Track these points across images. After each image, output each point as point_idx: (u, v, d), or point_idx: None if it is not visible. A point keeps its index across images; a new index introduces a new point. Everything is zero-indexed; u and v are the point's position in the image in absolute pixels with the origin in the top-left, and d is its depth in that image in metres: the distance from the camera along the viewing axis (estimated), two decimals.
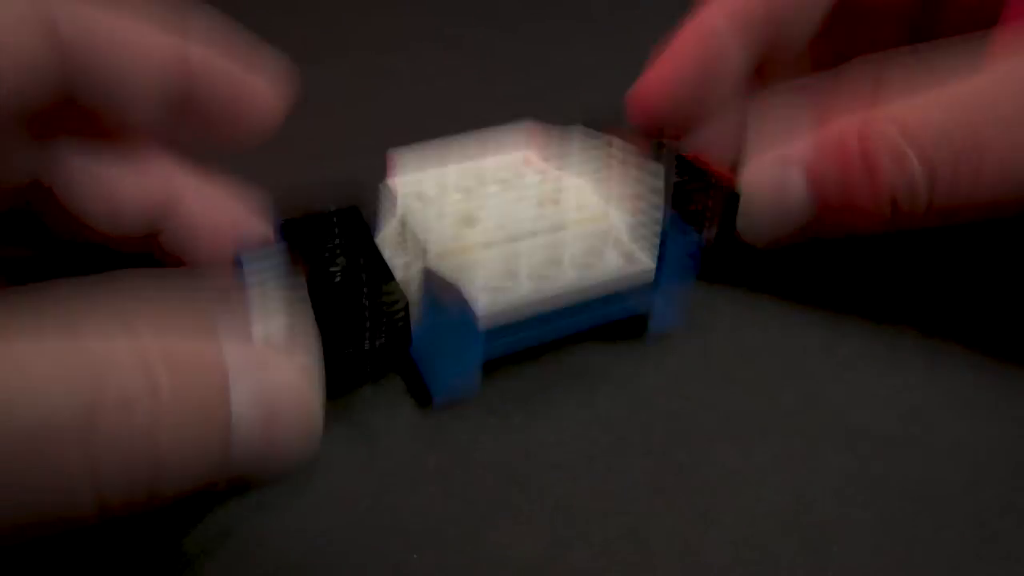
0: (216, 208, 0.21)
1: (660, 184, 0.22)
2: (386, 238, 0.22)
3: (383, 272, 0.19)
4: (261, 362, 0.16)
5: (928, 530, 0.17)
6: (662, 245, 0.21)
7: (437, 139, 0.25)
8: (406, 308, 0.19)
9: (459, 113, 0.36)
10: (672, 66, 0.24)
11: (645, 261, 0.21)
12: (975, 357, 0.21)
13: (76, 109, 0.17)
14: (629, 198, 0.22)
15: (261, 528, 0.18)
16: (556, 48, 0.41)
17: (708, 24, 0.24)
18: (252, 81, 0.19)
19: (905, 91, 0.21)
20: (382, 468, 0.19)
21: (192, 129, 0.19)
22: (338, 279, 0.19)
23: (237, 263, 0.19)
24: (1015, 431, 0.19)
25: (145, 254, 0.21)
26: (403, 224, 0.22)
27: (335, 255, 0.20)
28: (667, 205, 0.22)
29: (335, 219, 0.21)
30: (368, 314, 0.19)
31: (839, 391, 0.20)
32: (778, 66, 0.25)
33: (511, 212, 0.21)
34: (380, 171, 0.24)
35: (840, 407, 0.20)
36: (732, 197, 0.22)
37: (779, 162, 0.22)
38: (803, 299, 0.23)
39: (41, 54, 0.15)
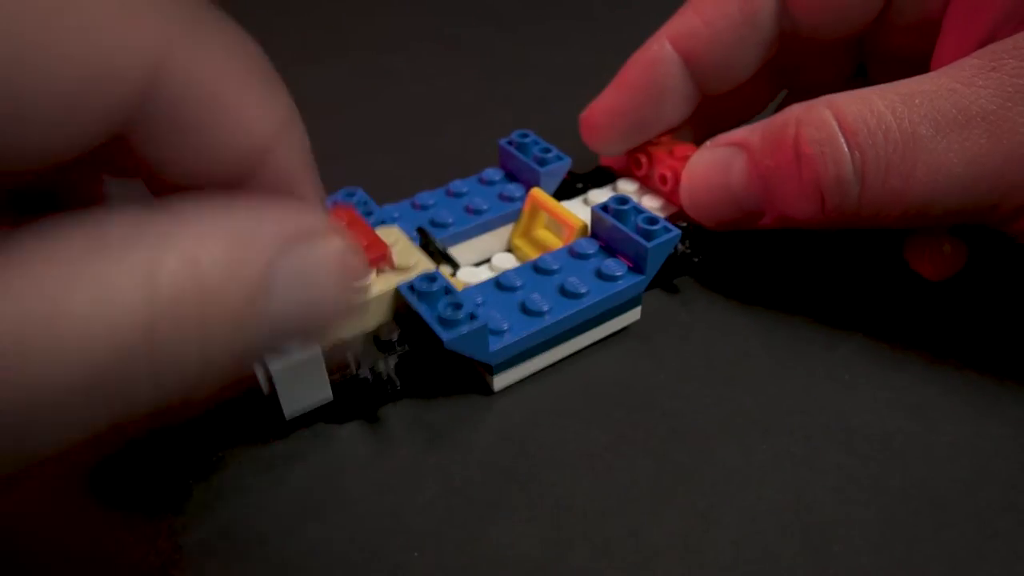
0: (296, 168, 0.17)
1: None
2: None
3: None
4: (307, 234, 0.14)
5: (928, 530, 0.17)
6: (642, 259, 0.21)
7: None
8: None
9: (459, 114, 0.36)
10: (618, 92, 0.25)
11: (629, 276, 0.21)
12: (975, 357, 0.21)
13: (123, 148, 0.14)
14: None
15: (261, 528, 0.18)
16: (556, 49, 0.41)
17: (653, 51, 0.24)
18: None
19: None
20: (382, 468, 0.19)
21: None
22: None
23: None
24: (1015, 431, 0.19)
25: None
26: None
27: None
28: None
29: None
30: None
31: (839, 391, 0.20)
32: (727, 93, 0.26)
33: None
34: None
35: (840, 407, 0.20)
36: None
37: (725, 144, 0.22)
38: (803, 299, 0.23)
39: (122, 106, 0.12)
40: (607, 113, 0.25)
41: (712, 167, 0.22)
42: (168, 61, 0.12)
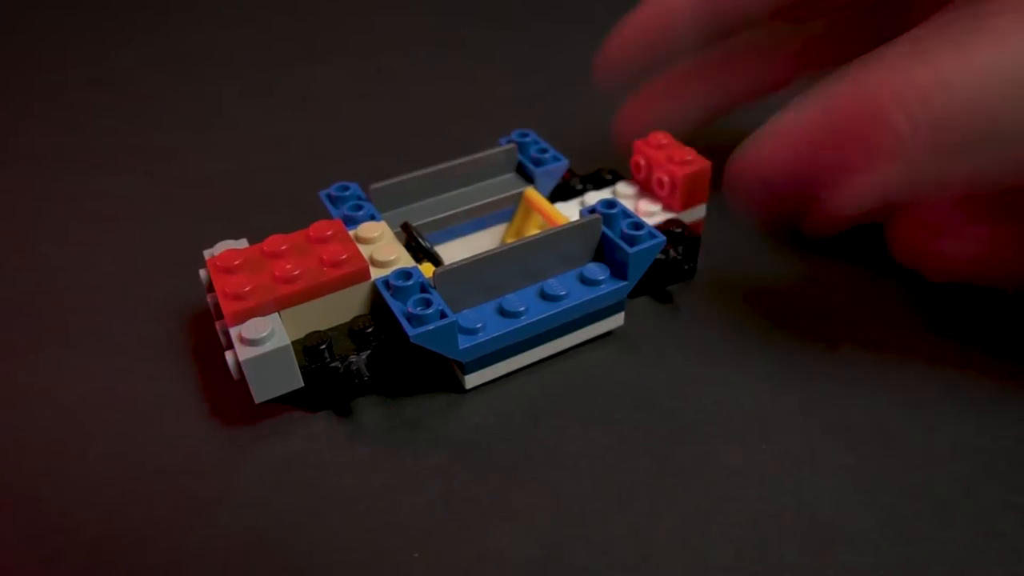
0: None
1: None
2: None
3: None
4: None
5: (928, 530, 0.17)
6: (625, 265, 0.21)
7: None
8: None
9: (459, 114, 0.36)
10: (630, 30, 0.25)
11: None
12: (976, 357, 0.21)
13: None
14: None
15: (261, 528, 0.18)
16: (556, 49, 0.42)
17: None
18: None
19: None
20: (382, 468, 0.19)
21: None
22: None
23: None
24: (1015, 431, 0.19)
25: None
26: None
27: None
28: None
29: None
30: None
31: (839, 391, 0.20)
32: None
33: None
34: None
35: (840, 407, 0.20)
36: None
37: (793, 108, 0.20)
38: (802, 300, 0.23)
39: None
40: (619, 44, 0.25)
41: (770, 148, 0.20)
42: None
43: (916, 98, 0.18)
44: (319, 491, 0.18)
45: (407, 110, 0.37)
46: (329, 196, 0.23)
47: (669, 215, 0.24)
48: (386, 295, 0.20)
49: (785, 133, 0.20)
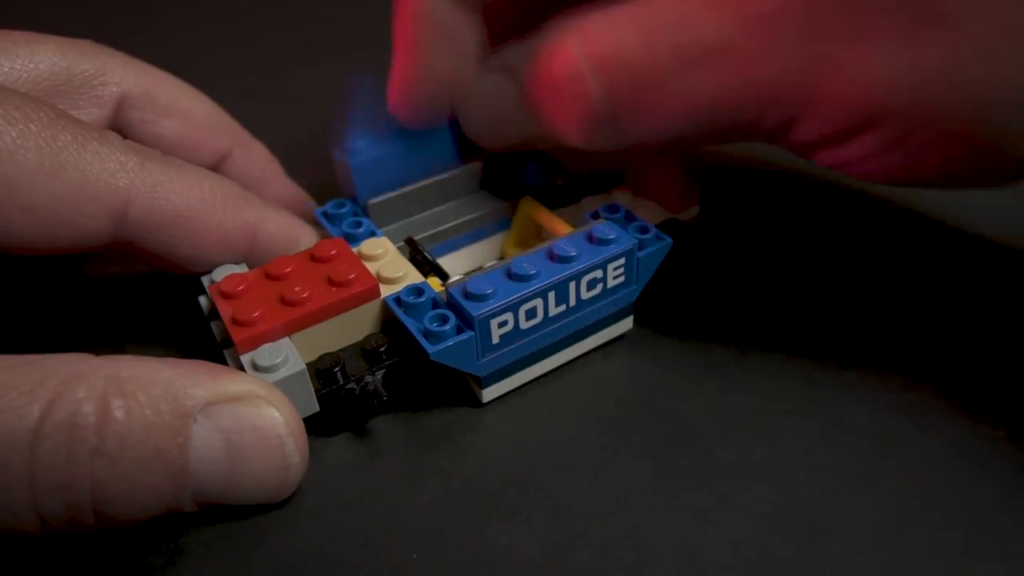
0: (286, 226, 0.23)
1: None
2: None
3: None
4: (234, 396, 0.16)
5: (926, 530, 0.17)
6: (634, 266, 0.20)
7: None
8: None
9: None
10: (407, 57, 0.22)
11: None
12: (973, 357, 0.21)
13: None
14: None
15: (261, 528, 0.18)
16: None
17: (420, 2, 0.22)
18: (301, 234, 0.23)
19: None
20: (382, 468, 0.19)
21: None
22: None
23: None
24: (1012, 431, 0.19)
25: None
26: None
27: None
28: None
29: None
30: None
31: (837, 391, 0.20)
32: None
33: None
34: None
35: (838, 407, 0.20)
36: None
37: (496, 71, 0.21)
38: (802, 300, 0.23)
39: (103, 231, 0.19)
40: (402, 81, 0.23)
41: (488, 98, 0.21)
42: (131, 201, 0.19)
43: (601, 59, 0.18)
44: (318, 491, 0.18)
45: None
46: (325, 214, 0.23)
47: (664, 216, 0.24)
48: (399, 312, 0.19)
49: (487, 107, 0.21)
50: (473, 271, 0.24)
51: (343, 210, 0.23)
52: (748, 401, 0.20)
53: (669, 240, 0.21)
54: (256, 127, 0.36)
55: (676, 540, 0.17)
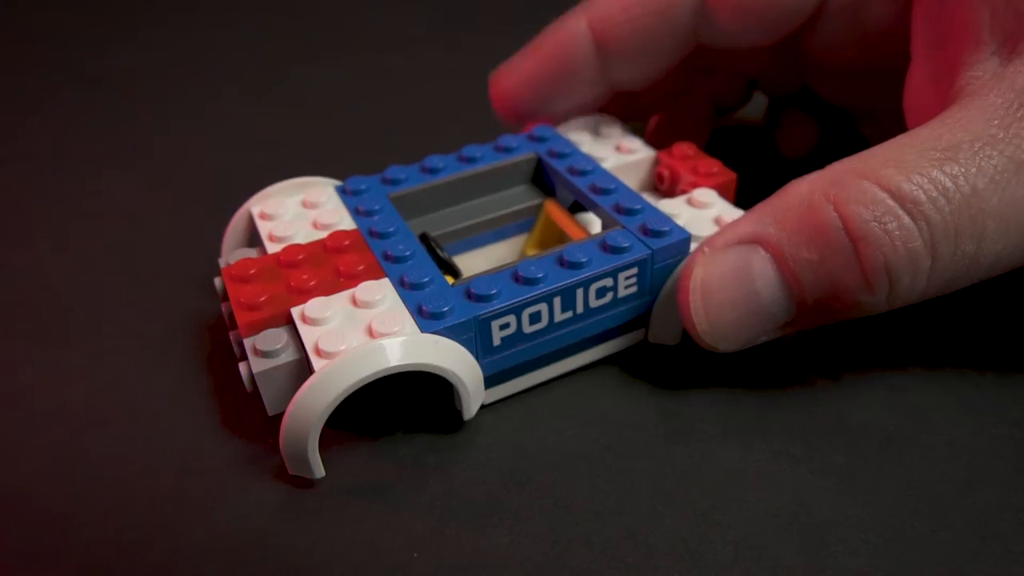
0: None
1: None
2: None
3: None
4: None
5: (926, 530, 0.17)
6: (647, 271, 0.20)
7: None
8: None
9: (459, 114, 0.36)
10: (530, 61, 0.25)
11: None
12: (974, 357, 0.21)
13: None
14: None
15: (261, 528, 0.18)
16: None
17: (569, 27, 0.24)
18: None
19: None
20: (382, 468, 0.19)
21: None
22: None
23: None
24: (1013, 431, 0.19)
25: None
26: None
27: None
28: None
29: None
30: None
31: (839, 390, 0.20)
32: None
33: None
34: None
35: (840, 407, 0.20)
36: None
37: (732, 244, 0.18)
38: None
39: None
40: (517, 81, 0.25)
41: (729, 278, 0.18)
42: None
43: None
44: (319, 491, 0.18)
45: (407, 110, 0.37)
46: (344, 190, 0.23)
47: None
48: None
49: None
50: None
51: (363, 187, 0.23)
52: (748, 401, 0.20)
53: (688, 253, 0.20)
54: (256, 127, 0.36)
55: (677, 540, 0.17)
